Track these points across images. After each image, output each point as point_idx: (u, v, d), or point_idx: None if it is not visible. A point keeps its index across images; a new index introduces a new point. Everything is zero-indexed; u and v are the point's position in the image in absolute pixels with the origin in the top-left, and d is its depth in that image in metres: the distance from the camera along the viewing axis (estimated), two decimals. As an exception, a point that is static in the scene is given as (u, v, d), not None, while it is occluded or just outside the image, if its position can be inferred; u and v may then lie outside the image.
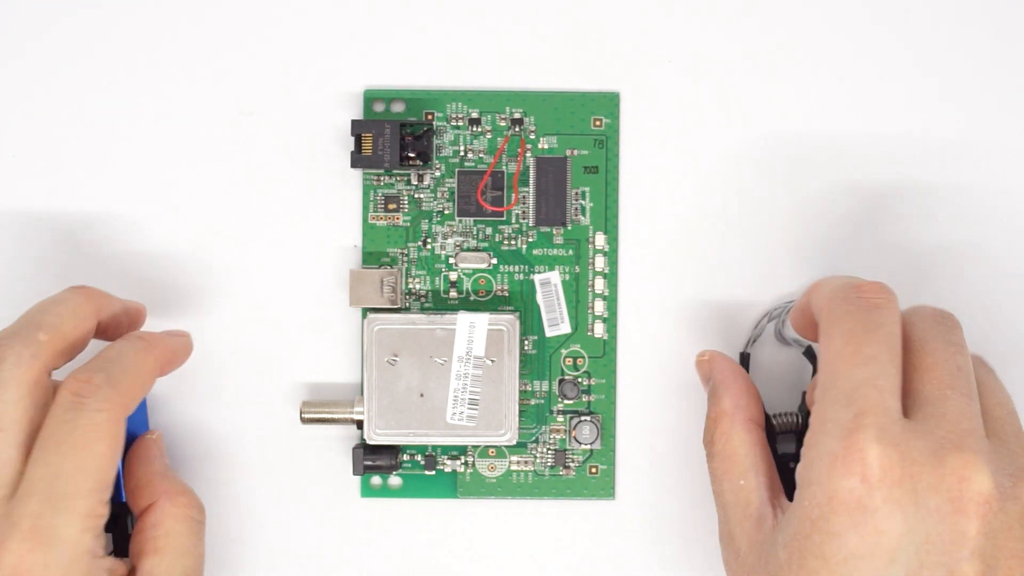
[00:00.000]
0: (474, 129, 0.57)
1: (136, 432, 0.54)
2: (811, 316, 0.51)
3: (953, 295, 0.57)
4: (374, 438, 0.55)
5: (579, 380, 0.57)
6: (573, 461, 0.57)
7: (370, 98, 0.57)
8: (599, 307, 0.57)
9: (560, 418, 0.57)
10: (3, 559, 0.46)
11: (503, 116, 0.57)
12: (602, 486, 0.57)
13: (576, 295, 0.57)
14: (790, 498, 0.50)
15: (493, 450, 0.57)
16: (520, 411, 0.57)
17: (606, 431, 0.57)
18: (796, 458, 0.51)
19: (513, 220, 0.57)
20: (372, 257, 0.57)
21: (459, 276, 0.57)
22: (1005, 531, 0.46)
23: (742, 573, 0.49)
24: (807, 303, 0.52)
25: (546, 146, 0.57)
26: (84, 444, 0.47)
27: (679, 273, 0.57)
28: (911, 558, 0.45)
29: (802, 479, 0.47)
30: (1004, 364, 0.55)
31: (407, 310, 0.57)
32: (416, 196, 0.57)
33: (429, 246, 0.57)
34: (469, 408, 0.55)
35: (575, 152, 0.57)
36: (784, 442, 0.53)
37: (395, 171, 0.56)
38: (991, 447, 0.47)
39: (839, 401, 0.47)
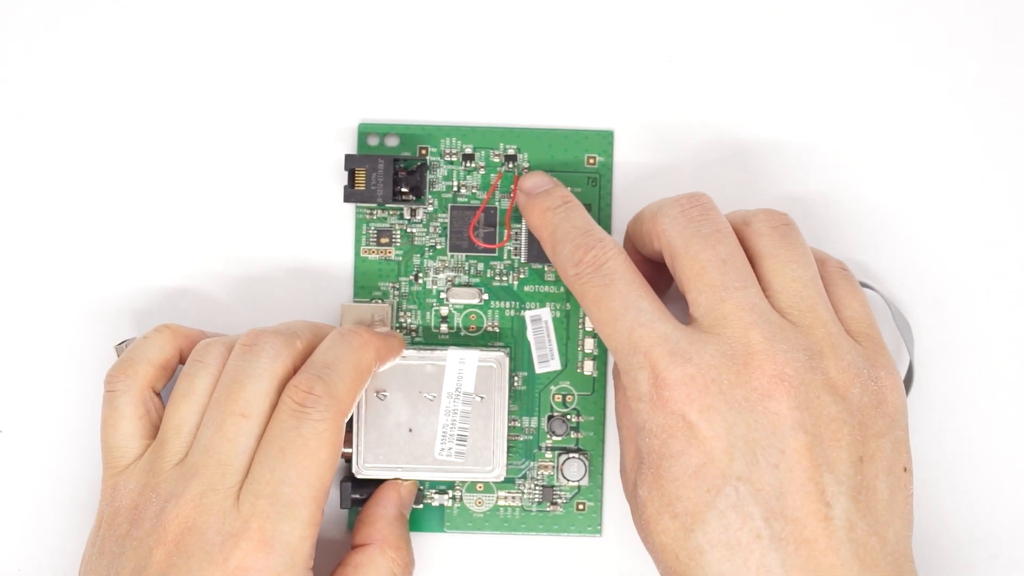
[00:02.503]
0: (468, 165, 0.57)
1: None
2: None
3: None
4: (362, 472, 0.55)
5: (568, 417, 0.57)
6: (561, 497, 0.57)
7: (364, 132, 0.57)
8: (589, 344, 0.57)
9: (548, 454, 0.57)
10: (233, 555, 0.49)
11: (497, 152, 0.57)
12: (589, 522, 0.57)
13: (566, 332, 0.57)
14: None
15: (481, 485, 0.57)
16: (508, 447, 0.57)
17: (594, 468, 0.57)
18: None
19: (505, 256, 0.57)
20: (364, 291, 0.57)
21: (450, 311, 0.57)
22: (815, 401, 0.49)
23: (629, 501, 0.52)
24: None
25: (539, 183, 0.57)
26: (307, 453, 0.50)
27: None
28: (744, 450, 0.48)
29: (637, 426, 0.50)
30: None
31: (398, 344, 0.57)
32: (409, 231, 0.57)
33: (421, 281, 0.57)
34: (457, 444, 0.55)
35: (569, 189, 0.57)
36: None
37: (388, 205, 0.57)
38: (780, 327, 0.49)
39: (624, 354, 0.50)
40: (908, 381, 0.57)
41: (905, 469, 0.50)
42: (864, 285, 0.56)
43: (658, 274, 0.55)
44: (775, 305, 0.50)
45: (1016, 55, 0.57)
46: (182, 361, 0.54)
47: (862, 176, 0.57)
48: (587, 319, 0.57)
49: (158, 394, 0.53)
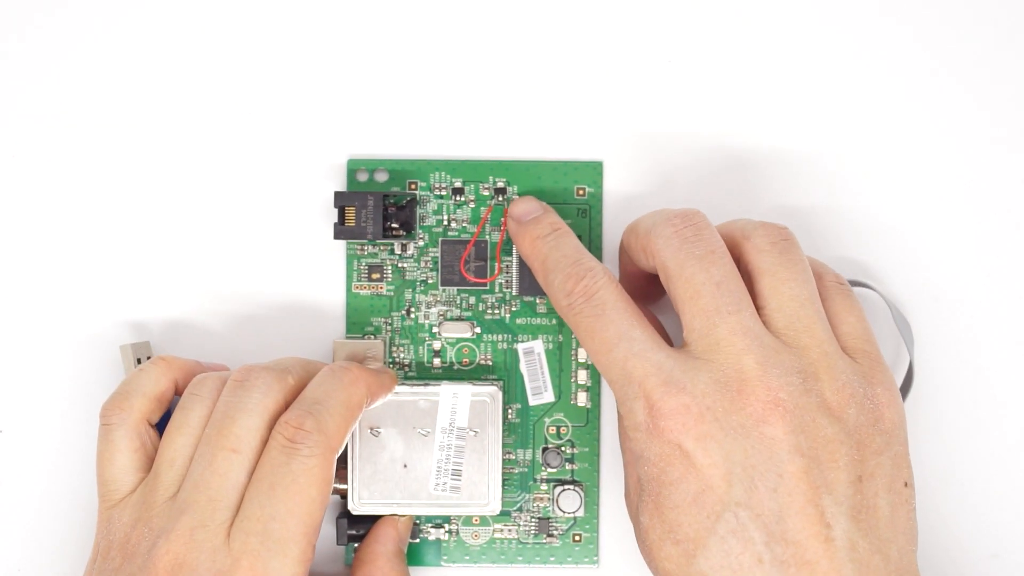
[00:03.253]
0: (457, 199, 0.57)
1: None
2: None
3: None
4: (358, 508, 0.55)
5: (562, 448, 0.57)
6: (557, 529, 0.57)
7: (353, 168, 0.57)
8: (582, 376, 0.57)
9: (544, 486, 0.57)
10: None
11: (486, 185, 0.57)
12: (586, 553, 0.57)
13: (559, 364, 0.57)
14: None
15: (477, 518, 0.57)
16: (504, 479, 0.57)
17: (589, 499, 0.57)
18: None
19: (496, 289, 0.57)
20: (356, 327, 0.57)
21: (443, 345, 0.57)
22: (811, 423, 0.49)
23: (634, 525, 0.52)
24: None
25: (529, 215, 0.57)
26: (296, 489, 0.50)
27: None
28: (742, 476, 0.48)
29: (635, 454, 0.50)
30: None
31: (391, 379, 0.57)
32: (400, 265, 0.57)
33: (413, 315, 0.57)
34: (452, 479, 0.55)
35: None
36: None
37: (378, 241, 0.57)
38: (774, 351, 0.49)
39: (619, 384, 0.50)
40: (908, 381, 0.57)
41: (906, 484, 0.50)
42: (863, 285, 0.56)
43: (652, 284, 0.55)
44: (771, 325, 0.50)
45: (1015, 57, 0.57)
46: (178, 393, 0.54)
47: (862, 177, 0.57)
48: (580, 350, 0.57)
49: (154, 426, 0.53)
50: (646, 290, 0.55)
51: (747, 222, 0.53)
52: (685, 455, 0.49)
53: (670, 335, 0.54)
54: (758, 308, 0.51)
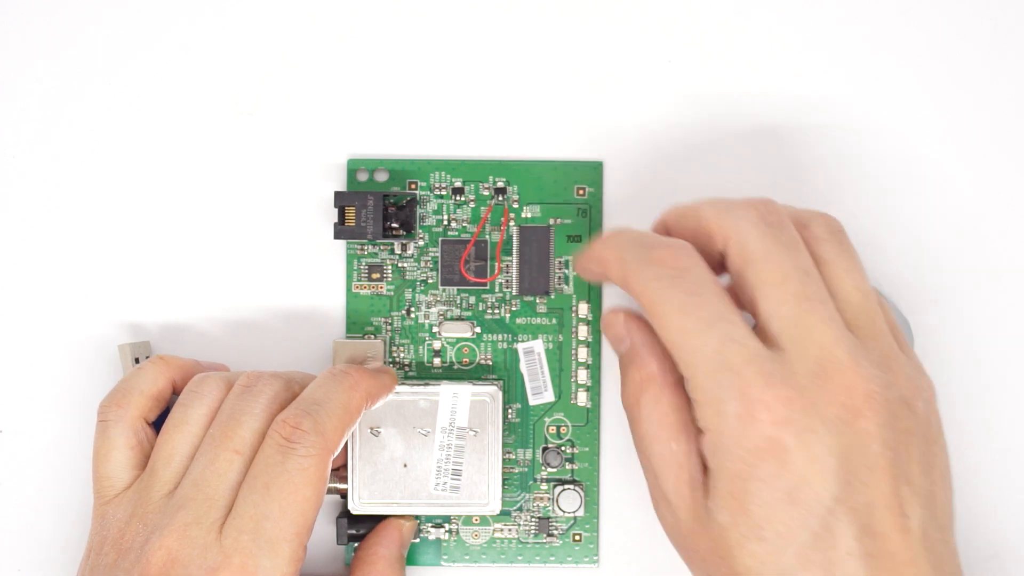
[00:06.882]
0: (457, 198, 0.57)
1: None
2: (602, 269, 0.51)
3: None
4: (358, 508, 0.55)
5: (563, 448, 0.57)
6: (557, 528, 0.57)
7: (353, 168, 0.57)
8: (583, 376, 0.57)
9: (544, 486, 0.57)
10: None
11: (486, 185, 0.57)
12: (586, 552, 0.57)
13: (560, 364, 0.57)
14: None
15: (477, 517, 0.57)
16: (504, 479, 0.57)
17: (590, 498, 0.57)
18: None
19: (496, 289, 0.57)
20: (356, 327, 0.57)
21: (443, 345, 0.57)
22: (895, 416, 0.48)
23: (683, 535, 0.50)
24: (599, 256, 0.51)
25: (529, 215, 0.57)
26: (291, 489, 0.50)
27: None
28: (839, 470, 0.47)
29: (715, 446, 0.48)
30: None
31: (391, 379, 0.57)
32: (400, 265, 0.57)
33: (413, 315, 0.57)
34: (452, 479, 0.55)
35: (558, 221, 0.57)
36: None
37: (378, 241, 0.57)
38: (856, 343, 0.49)
39: (710, 369, 0.48)
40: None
41: (948, 469, 0.50)
42: None
43: None
44: (841, 316, 0.50)
45: (1015, 55, 0.57)
46: (176, 392, 0.54)
47: (861, 176, 0.57)
48: (580, 349, 0.57)
49: (151, 425, 0.53)
50: None
51: (798, 211, 0.52)
52: (784, 450, 0.47)
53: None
54: None
